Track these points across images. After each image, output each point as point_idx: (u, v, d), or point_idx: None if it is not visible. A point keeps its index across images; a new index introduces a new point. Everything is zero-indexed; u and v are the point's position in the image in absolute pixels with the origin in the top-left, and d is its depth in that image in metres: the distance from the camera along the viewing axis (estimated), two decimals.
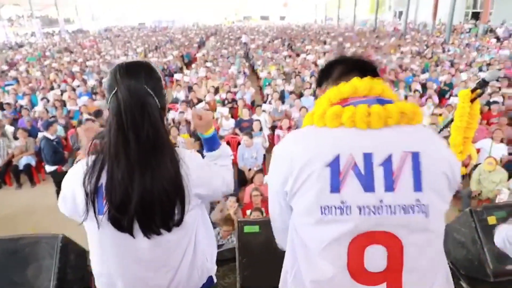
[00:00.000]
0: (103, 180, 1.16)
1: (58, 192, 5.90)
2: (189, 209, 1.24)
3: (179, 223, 1.22)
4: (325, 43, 20.96)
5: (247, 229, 2.35)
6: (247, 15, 55.98)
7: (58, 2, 36.93)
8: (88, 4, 46.52)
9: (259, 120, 7.23)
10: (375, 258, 0.98)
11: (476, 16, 25.89)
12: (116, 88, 1.14)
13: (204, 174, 1.30)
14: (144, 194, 1.14)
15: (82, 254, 2.39)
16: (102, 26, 42.74)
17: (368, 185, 0.97)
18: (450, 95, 9.53)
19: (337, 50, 17.42)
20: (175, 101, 9.93)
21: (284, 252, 2.28)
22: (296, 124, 7.54)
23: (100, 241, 1.24)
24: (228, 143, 5.70)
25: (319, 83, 1.26)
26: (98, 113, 6.76)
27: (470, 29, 24.12)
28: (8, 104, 9.22)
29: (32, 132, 7.49)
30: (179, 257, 1.30)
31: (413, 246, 0.98)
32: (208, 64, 14.59)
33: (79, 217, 1.22)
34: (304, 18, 49.50)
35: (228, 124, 7.63)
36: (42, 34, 32.44)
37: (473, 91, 1.67)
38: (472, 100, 1.68)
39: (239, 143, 6.63)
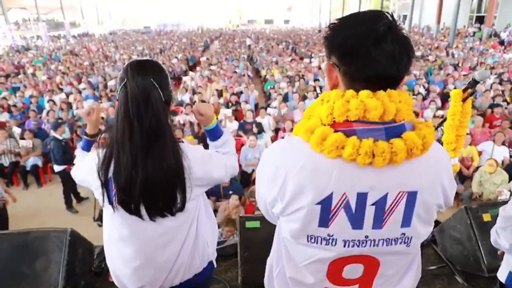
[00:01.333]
0: (112, 167, 1.30)
1: (65, 192, 6.02)
2: (191, 197, 1.36)
3: (181, 209, 1.35)
4: None
5: (248, 224, 2.42)
6: (251, 19, 56.23)
7: (64, 6, 37.36)
8: (94, 7, 46.93)
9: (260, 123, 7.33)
10: (352, 271, 1.06)
11: (480, 20, 25.86)
12: (125, 80, 1.27)
13: (206, 166, 1.41)
14: (147, 179, 1.26)
15: (89, 249, 2.47)
16: (107, 30, 43.10)
17: (356, 223, 0.97)
18: None
19: None
20: (180, 103, 10.03)
21: None
22: None
23: (116, 223, 1.38)
24: None
25: (328, 53, 1.02)
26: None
27: (474, 32, 24.11)
28: (15, 106, 9.36)
29: (39, 134, 7.61)
30: (181, 240, 1.42)
31: (389, 263, 1.06)
32: (213, 67, 14.70)
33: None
34: (308, 22, 49.62)
35: (231, 126, 7.72)
36: (48, 38, 32.77)
37: (464, 90, 1.72)
38: (464, 100, 1.73)
39: (242, 145, 6.71)
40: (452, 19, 18.25)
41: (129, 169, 1.25)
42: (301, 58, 17.23)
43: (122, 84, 1.28)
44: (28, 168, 6.91)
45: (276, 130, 7.84)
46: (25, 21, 42.11)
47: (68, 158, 6.00)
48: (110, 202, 1.32)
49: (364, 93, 0.92)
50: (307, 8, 53.91)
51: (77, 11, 44.17)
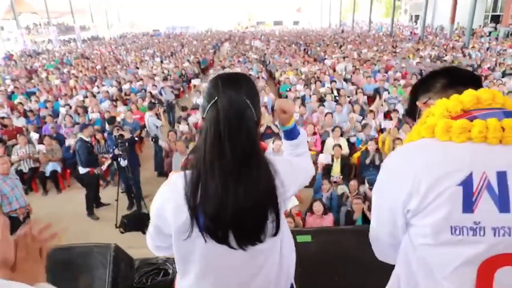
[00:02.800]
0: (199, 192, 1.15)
1: (88, 196, 5.93)
2: (281, 218, 1.23)
3: (276, 233, 1.21)
4: (340, 47, 20.87)
5: (299, 238, 2.28)
6: (260, 21, 56.20)
7: (74, 10, 37.64)
8: (103, 11, 47.23)
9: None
10: (505, 279, 0.91)
11: (496, 19, 25.47)
12: (216, 98, 1.13)
13: (293, 176, 1.28)
14: (238, 207, 1.12)
15: (130, 264, 2.35)
16: (117, 33, 43.35)
17: (503, 206, 0.90)
18: None
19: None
20: (196, 107, 9.95)
21: (340, 260, 2.21)
22: (320, 131, 7.47)
23: (202, 254, 1.22)
24: None
25: (417, 95, 1.21)
26: (110, 120, 6.80)
27: (490, 32, 23.76)
28: (31, 111, 9.33)
29: (57, 139, 7.56)
30: (270, 264, 1.29)
31: None
32: (226, 70, 14.61)
33: (181, 240, 1.19)
34: (318, 23, 49.47)
35: None
36: (58, 42, 33.02)
37: None
38: None
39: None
40: (468, 18, 17.98)
41: (218, 196, 1.11)
42: (314, 60, 17.09)
43: (212, 102, 1.13)
44: (47, 174, 6.85)
45: None
46: (36, 25, 42.49)
47: (93, 160, 5.93)
48: (201, 230, 1.15)
49: (469, 90, 1.02)
50: (316, 9, 53.74)
51: (87, 14, 44.50)
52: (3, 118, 8.64)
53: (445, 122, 0.98)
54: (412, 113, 1.27)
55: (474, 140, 0.93)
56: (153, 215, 1.23)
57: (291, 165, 1.31)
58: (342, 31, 34.44)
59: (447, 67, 1.22)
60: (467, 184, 0.90)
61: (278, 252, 1.30)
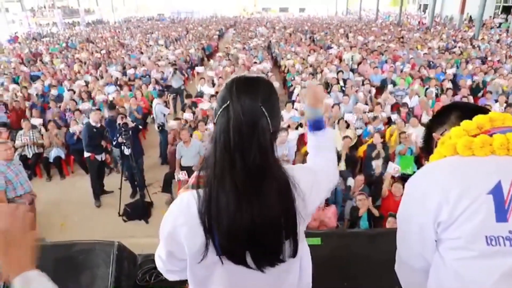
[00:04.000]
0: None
1: (92, 179, 5.88)
2: (301, 237, 1.14)
3: (294, 255, 1.12)
4: (347, 36, 20.59)
5: (309, 241, 2.21)
6: (266, 7, 55.50)
7: None
8: None
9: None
10: None
11: (507, 10, 24.96)
12: (228, 102, 1.04)
13: (315, 190, 1.17)
14: (253, 224, 1.02)
15: (134, 261, 2.30)
16: (122, 17, 42.95)
17: None
18: (483, 94, 9.18)
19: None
20: (200, 95, 9.86)
21: (350, 264, 2.15)
22: (327, 123, 7.36)
23: (220, 277, 1.13)
24: None
25: (432, 129, 1.28)
26: (111, 106, 6.73)
27: (500, 24, 23.33)
28: (36, 95, 9.28)
29: (61, 124, 7.52)
30: (290, 283, 1.22)
31: None
32: (231, 57, 14.44)
33: (197, 264, 1.11)
34: (324, 11, 48.80)
35: None
36: (63, 25, 32.75)
37: None
38: None
39: None
40: (479, 8, 17.62)
41: (231, 211, 1.02)
42: (320, 48, 16.87)
43: (223, 106, 1.04)
44: (51, 160, 6.83)
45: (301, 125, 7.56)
46: (41, 8, 42.12)
47: (94, 145, 5.88)
48: (218, 253, 1.06)
49: (480, 115, 1.08)
50: None
51: None
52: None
53: (466, 139, 1.02)
54: (429, 148, 1.30)
55: (497, 153, 0.97)
56: (164, 240, 1.14)
57: (314, 176, 1.19)
58: (360, 19, 33.70)
59: (457, 102, 1.38)
60: (497, 192, 0.90)
61: (298, 269, 1.23)
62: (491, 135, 1.00)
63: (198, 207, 1.04)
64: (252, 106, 1.03)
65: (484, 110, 1.17)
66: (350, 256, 1.99)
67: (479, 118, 1.06)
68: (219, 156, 1.03)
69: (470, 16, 24.72)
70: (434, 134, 1.25)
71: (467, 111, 1.18)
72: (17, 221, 0.88)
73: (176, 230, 1.08)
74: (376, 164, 5.82)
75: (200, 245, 1.06)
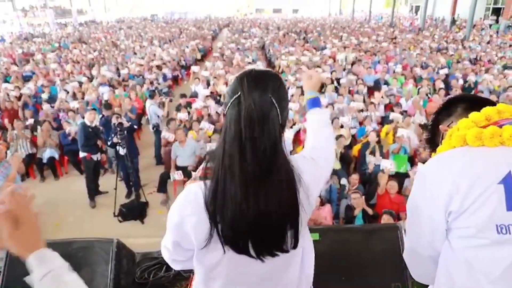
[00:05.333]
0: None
1: (87, 180, 5.85)
2: (302, 228, 1.16)
3: (295, 246, 1.14)
4: (341, 38, 20.68)
5: None
6: (259, 8, 55.56)
7: None
8: None
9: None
10: None
11: (497, 12, 25.28)
12: (239, 93, 1.06)
13: (316, 177, 1.21)
14: (258, 214, 1.04)
15: (132, 259, 2.31)
16: (115, 17, 42.71)
17: None
18: (475, 94, 9.30)
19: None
20: (195, 95, 9.86)
21: (348, 260, 2.18)
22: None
23: (225, 266, 1.15)
24: None
25: (438, 121, 1.30)
26: (107, 106, 6.72)
27: (490, 25, 23.61)
28: (29, 96, 9.19)
29: (54, 125, 7.46)
30: (292, 273, 1.24)
31: None
32: (225, 57, 14.43)
33: (203, 254, 1.13)
34: (318, 12, 48.98)
35: None
36: (55, 25, 32.48)
37: None
38: None
39: None
40: (469, 10, 17.81)
41: (237, 202, 1.03)
42: (314, 48, 16.93)
43: (234, 97, 1.06)
44: (44, 161, 6.78)
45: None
46: (32, 7, 41.74)
47: (90, 145, 5.85)
48: (222, 242, 1.08)
49: (487, 107, 1.10)
50: None
51: None
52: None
53: (476, 130, 1.02)
54: (434, 140, 1.33)
55: (506, 143, 0.98)
56: (171, 230, 1.15)
57: (314, 164, 1.23)
58: (353, 19, 33.88)
59: (464, 94, 1.40)
60: (507, 181, 0.91)
61: (300, 260, 1.25)
62: (500, 126, 1.01)
63: (205, 196, 1.06)
64: (263, 98, 1.06)
65: (491, 102, 1.19)
66: (348, 251, 2.02)
67: (487, 110, 1.07)
68: (228, 146, 1.05)
69: (453, 18, 24.83)
70: (440, 126, 1.26)
71: (474, 103, 1.20)
72: (23, 201, 0.90)
73: (184, 220, 1.10)
74: (369, 160, 5.87)
75: (206, 234, 1.08)
